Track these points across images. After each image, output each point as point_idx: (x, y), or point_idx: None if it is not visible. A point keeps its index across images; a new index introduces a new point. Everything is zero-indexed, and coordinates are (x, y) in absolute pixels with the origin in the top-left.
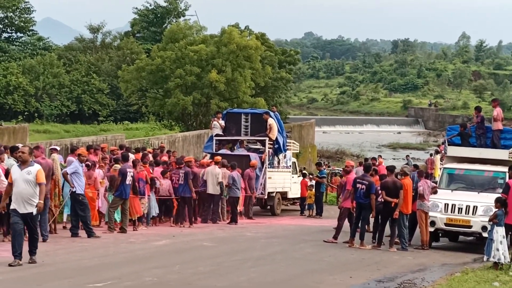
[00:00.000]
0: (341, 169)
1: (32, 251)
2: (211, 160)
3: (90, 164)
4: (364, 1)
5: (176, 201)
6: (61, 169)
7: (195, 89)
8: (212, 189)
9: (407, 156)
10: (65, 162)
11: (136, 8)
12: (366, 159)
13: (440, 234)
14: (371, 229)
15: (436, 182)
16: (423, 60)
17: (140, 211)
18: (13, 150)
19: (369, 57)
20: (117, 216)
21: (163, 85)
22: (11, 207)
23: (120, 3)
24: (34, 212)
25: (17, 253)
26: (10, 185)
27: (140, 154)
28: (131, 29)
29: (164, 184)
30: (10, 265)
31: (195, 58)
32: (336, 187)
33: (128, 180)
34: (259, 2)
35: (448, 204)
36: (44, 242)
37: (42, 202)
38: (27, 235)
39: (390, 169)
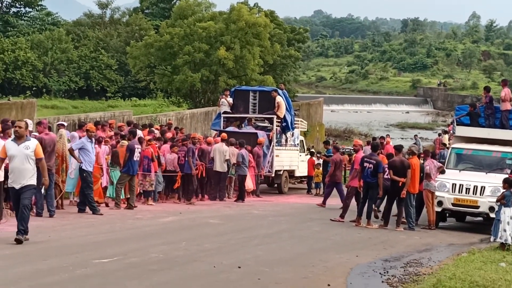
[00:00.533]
0: (351, 148)
1: (21, 230)
2: (218, 137)
3: (95, 139)
4: None
5: (180, 177)
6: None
7: (204, 66)
8: (219, 166)
9: (416, 135)
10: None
11: None
12: (374, 138)
13: (447, 214)
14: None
15: (443, 162)
16: (432, 40)
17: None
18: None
19: (379, 36)
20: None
21: (172, 61)
22: (9, 185)
23: None
24: (43, 191)
25: (22, 229)
26: (2, 160)
27: (147, 130)
28: (140, 5)
29: (170, 159)
30: (16, 240)
31: (203, 35)
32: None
33: (136, 156)
34: None
35: (455, 184)
36: (51, 218)
37: (47, 178)
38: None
39: (398, 148)
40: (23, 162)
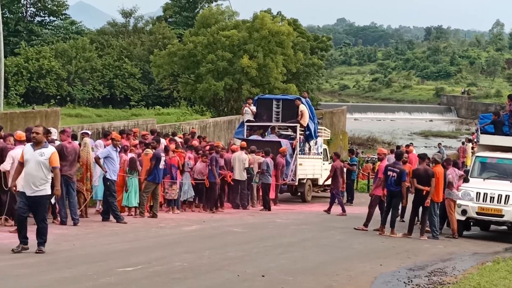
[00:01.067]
0: (375, 156)
1: (41, 243)
2: (237, 145)
3: (119, 148)
4: None
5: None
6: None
7: (227, 74)
8: (238, 174)
9: (439, 144)
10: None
11: None
12: (397, 147)
13: (471, 223)
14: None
15: (467, 171)
16: (456, 48)
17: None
18: (46, 133)
19: (402, 44)
20: (128, 202)
21: (195, 70)
22: (19, 189)
23: None
24: (53, 201)
25: (22, 239)
26: (22, 164)
27: (169, 139)
28: (163, 14)
29: (199, 167)
30: (13, 250)
31: (227, 44)
32: (366, 174)
33: (162, 164)
34: None
35: (480, 193)
36: (75, 226)
37: (58, 188)
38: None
39: (422, 156)
40: (36, 168)
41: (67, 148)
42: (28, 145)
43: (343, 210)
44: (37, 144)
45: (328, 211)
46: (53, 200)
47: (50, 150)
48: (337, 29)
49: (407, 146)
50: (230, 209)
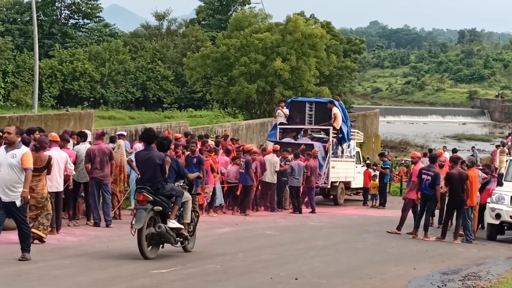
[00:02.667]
0: (409, 160)
1: (24, 248)
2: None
3: None
4: None
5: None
6: (127, 155)
7: (260, 77)
8: (269, 177)
9: (473, 147)
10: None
11: None
12: (430, 150)
13: (505, 227)
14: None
15: (502, 175)
16: (490, 51)
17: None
18: (81, 136)
19: (435, 47)
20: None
21: (228, 72)
22: None
23: None
24: (18, 203)
25: (26, 246)
26: (35, 169)
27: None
28: (197, 17)
29: (232, 171)
30: (23, 258)
31: (260, 46)
32: (400, 177)
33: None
34: None
35: None
36: (108, 228)
37: (26, 191)
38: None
39: (455, 160)
40: (8, 172)
41: (93, 150)
42: (2, 147)
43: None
44: (9, 146)
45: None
46: (18, 203)
47: (21, 151)
48: (370, 31)
49: (445, 148)
50: (263, 212)
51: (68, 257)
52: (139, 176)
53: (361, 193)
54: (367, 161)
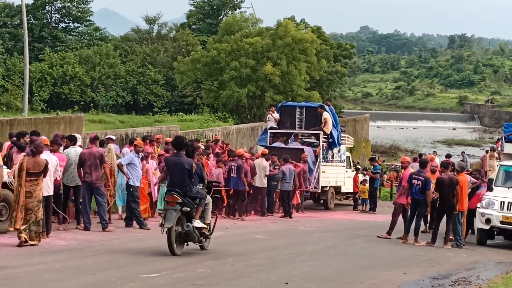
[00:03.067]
0: (399, 164)
1: None
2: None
3: (143, 155)
4: None
5: (225, 192)
6: (117, 159)
7: (250, 81)
8: (259, 182)
9: (463, 152)
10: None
11: (193, 0)
12: (420, 155)
13: (495, 232)
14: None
15: (491, 180)
16: (480, 56)
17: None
18: (70, 140)
19: (425, 52)
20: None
21: (218, 77)
22: None
23: None
24: None
25: None
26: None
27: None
28: (187, 21)
29: (215, 173)
30: None
31: (250, 51)
32: (390, 182)
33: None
34: None
35: (504, 202)
36: (100, 232)
37: None
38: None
39: (445, 165)
40: None
41: (84, 154)
42: None
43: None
44: None
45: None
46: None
47: None
48: (360, 36)
49: (435, 153)
50: (253, 216)
51: (58, 261)
52: (128, 179)
53: (351, 198)
54: (357, 166)
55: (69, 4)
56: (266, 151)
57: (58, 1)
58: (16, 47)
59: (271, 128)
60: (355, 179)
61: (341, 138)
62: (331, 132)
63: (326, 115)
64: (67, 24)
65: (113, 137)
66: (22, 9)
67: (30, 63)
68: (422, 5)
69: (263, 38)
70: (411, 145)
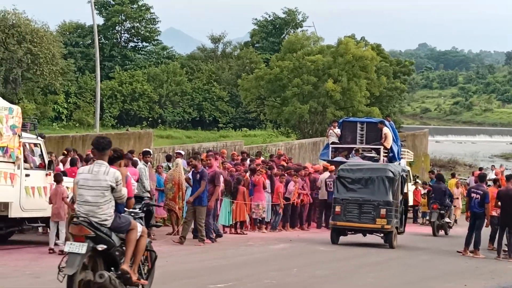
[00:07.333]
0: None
1: None
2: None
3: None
4: (479, 12)
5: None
6: (185, 174)
7: (312, 98)
8: (323, 195)
9: None
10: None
11: (256, 19)
12: (480, 169)
13: None
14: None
15: None
16: None
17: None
18: (144, 154)
19: (483, 68)
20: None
21: (281, 93)
22: None
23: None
24: None
25: None
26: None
27: (260, 159)
28: (251, 40)
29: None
30: None
31: (312, 68)
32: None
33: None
34: (375, 14)
35: None
36: (173, 244)
37: None
38: None
39: (507, 178)
40: None
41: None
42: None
43: None
44: None
45: None
46: None
47: None
48: (418, 53)
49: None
50: (315, 229)
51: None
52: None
53: (412, 211)
54: (417, 180)
55: (138, 24)
56: (329, 166)
57: (127, 22)
58: (87, 65)
59: (333, 143)
60: (415, 193)
61: (401, 153)
62: (391, 146)
63: (386, 130)
64: (136, 44)
65: (182, 152)
66: (94, 29)
67: (101, 81)
68: (479, 22)
69: (325, 56)
70: (469, 159)
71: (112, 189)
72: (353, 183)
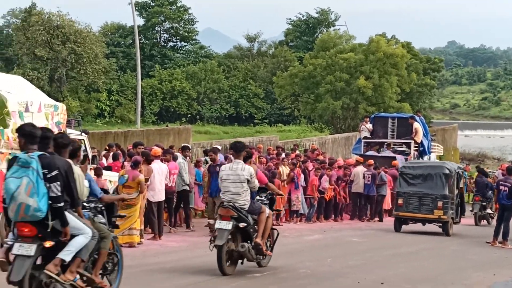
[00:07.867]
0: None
1: None
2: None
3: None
4: (506, 10)
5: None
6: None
7: (344, 94)
8: (357, 188)
9: None
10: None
11: (290, 19)
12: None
13: None
14: None
15: None
16: None
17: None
18: (183, 149)
19: (510, 65)
20: None
21: (314, 90)
22: None
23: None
24: None
25: None
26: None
27: (295, 153)
28: (285, 38)
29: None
30: None
31: (344, 66)
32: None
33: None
34: (405, 14)
35: None
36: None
37: None
38: None
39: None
40: None
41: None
42: None
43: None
44: None
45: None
46: None
47: None
48: (448, 51)
49: None
50: (348, 220)
51: (169, 261)
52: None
53: None
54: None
55: (176, 25)
56: (361, 159)
57: (166, 22)
58: (128, 64)
59: (365, 137)
60: None
61: (431, 147)
62: (421, 141)
63: (416, 125)
64: (175, 43)
65: (219, 147)
66: (135, 30)
67: (141, 79)
68: (507, 20)
69: (356, 54)
70: (498, 153)
71: (248, 181)
72: (413, 178)
